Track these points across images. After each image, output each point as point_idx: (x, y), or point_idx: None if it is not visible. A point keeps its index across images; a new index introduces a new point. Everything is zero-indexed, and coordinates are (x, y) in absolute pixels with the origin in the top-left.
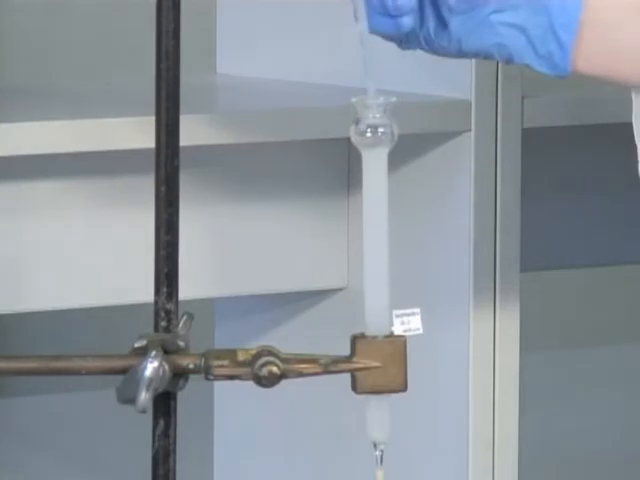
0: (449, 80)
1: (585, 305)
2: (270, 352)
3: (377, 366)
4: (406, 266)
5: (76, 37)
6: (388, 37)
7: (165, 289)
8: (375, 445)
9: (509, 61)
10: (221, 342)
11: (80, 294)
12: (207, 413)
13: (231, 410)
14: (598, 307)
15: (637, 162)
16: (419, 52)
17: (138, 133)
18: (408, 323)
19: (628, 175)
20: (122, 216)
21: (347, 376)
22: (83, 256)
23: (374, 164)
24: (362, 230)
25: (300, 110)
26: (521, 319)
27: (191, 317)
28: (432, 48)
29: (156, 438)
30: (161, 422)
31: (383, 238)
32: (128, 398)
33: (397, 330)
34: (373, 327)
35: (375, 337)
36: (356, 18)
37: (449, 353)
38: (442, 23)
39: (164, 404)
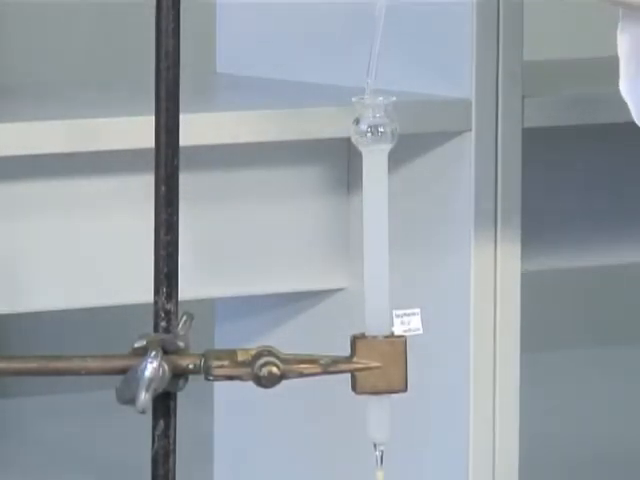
0: (449, 79)
1: (585, 305)
2: (270, 352)
3: (377, 366)
4: (406, 266)
5: (76, 37)
6: None
7: (165, 289)
8: (375, 445)
9: None
10: (221, 342)
11: (80, 294)
12: (207, 413)
13: (231, 410)
14: (598, 307)
15: (637, 161)
16: (419, 52)
17: (138, 133)
18: (408, 323)
19: (628, 175)
20: (122, 216)
21: (347, 376)
22: (83, 256)
23: (374, 164)
24: (362, 230)
25: (300, 110)
26: (521, 319)
27: (191, 317)
28: None
29: (156, 438)
30: (161, 422)
31: (383, 238)
32: (128, 398)
33: (397, 330)
34: (373, 327)
35: (375, 337)
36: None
37: (449, 353)
38: None
39: (164, 404)
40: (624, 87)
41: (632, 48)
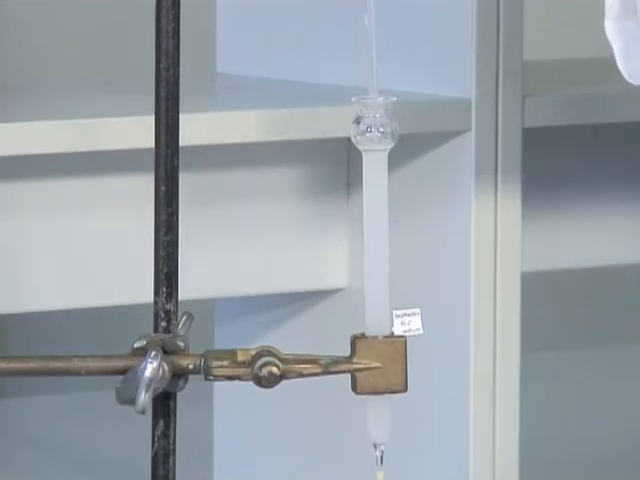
0: (449, 79)
1: (585, 305)
2: (270, 352)
3: (377, 366)
4: (406, 266)
5: (75, 36)
6: None
7: (165, 289)
8: (375, 445)
9: None
10: (221, 342)
11: (80, 294)
12: (207, 413)
13: (231, 410)
14: (598, 307)
15: (638, 161)
16: (419, 52)
17: (138, 133)
18: (408, 323)
19: (628, 175)
20: (122, 216)
21: (347, 376)
22: (83, 256)
23: (374, 164)
24: (362, 230)
25: (300, 110)
26: (521, 319)
27: (191, 317)
28: None
29: (156, 438)
30: (161, 422)
31: (383, 238)
32: (128, 398)
33: (397, 330)
34: (373, 327)
35: (375, 337)
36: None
37: (449, 353)
38: None
39: (164, 404)
40: (609, 28)
41: None
